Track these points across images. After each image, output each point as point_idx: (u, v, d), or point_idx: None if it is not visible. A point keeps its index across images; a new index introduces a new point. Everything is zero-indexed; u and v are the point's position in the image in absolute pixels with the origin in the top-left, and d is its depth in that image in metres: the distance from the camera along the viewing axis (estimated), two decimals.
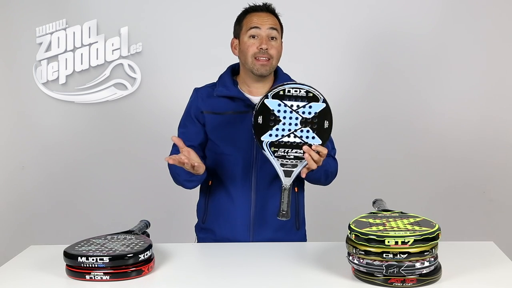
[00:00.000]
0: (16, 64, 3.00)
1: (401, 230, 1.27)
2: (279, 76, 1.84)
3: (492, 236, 1.81)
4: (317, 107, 1.54)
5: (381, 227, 1.30)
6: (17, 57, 2.99)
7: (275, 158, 1.57)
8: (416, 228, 1.29)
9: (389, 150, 2.99)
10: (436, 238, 1.26)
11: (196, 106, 1.81)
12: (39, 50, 2.95)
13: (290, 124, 1.55)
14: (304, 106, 1.54)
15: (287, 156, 1.57)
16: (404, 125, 2.98)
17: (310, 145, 1.55)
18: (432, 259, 1.27)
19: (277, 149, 1.56)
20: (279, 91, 1.54)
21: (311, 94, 1.54)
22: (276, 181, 1.76)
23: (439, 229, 1.28)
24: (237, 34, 1.81)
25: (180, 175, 1.71)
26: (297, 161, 1.57)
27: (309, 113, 1.54)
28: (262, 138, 1.56)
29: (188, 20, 2.95)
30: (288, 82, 1.56)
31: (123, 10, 2.95)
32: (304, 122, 1.55)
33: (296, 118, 1.55)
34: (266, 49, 1.72)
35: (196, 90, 1.86)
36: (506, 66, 2.93)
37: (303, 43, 2.87)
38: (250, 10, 1.79)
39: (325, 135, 1.56)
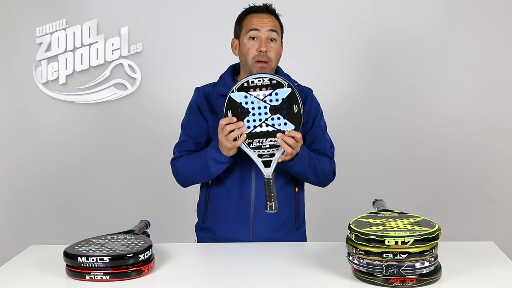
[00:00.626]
0: (16, 64, 3.00)
1: (401, 230, 1.27)
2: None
3: (492, 236, 1.81)
4: (283, 92, 1.56)
5: (381, 227, 1.30)
6: (17, 57, 2.99)
7: (251, 150, 1.58)
8: (416, 228, 1.29)
9: (389, 150, 2.99)
10: (436, 238, 1.26)
11: (200, 102, 1.82)
12: (39, 50, 2.96)
13: (259, 114, 1.56)
14: (270, 94, 1.56)
15: (262, 146, 1.57)
16: (404, 125, 2.98)
17: (284, 132, 1.56)
18: (432, 259, 1.27)
19: (251, 141, 1.57)
20: (243, 84, 1.56)
21: (274, 81, 1.56)
22: (276, 180, 1.76)
23: (439, 229, 1.28)
24: (237, 34, 1.81)
25: (208, 154, 1.68)
26: (273, 150, 1.58)
27: (277, 100, 1.56)
28: None
29: (188, 20, 2.95)
30: (251, 75, 1.58)
31: (123, 10, 2.96)
32: (273, 110, 1.56)
33: (265, 107, 1.56)
34: (265, 51, 1.72)
35: (197, 89, 1.86)
36: (506, 66, 2.93)
37: (303, 43, 2.87)
38: (250, 11, 1.79)
39: (296, 120, 1.57)
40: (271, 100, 1.56)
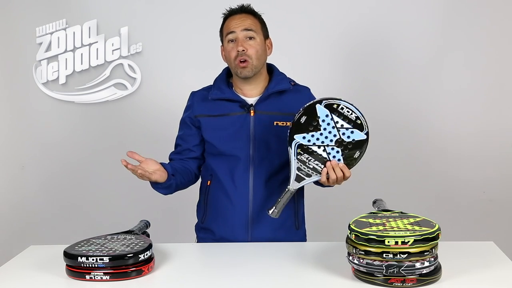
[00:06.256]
0: (16, 64, 3.00)
1: (401, 230, 1.27)
2: (275, 76, 1.84)
3: (492, 236, 1.81)
4: (358, 135, 1.56)
5: (381, 227, 1.30)
6: (17, 57, 2.99)
7: (296, 160, 1.58)
8: (416, 228, 1.29)
9: (389, 150, 2.99)
10: (436, 238, 1.26)
11: (191, 111, 1.84)
12: (39, 50, 2.96)
13: (326, 137, 1.55)
14: (347, 129, 1.55)
15: (307, 163, 1.58)
16: (404, 125, 2.97)
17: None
18: (432, 259, 1.27)
19: (302, 153, 1.57)
20: (333, 103, 1.53)
21: (359, 122, 1.55)
22: (273, 180, 1.77)
23: (439, 229, 1.28)
24: (222, 41, 1.84)
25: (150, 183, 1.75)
26: (313, 172, 1.58)
27: (348, 137, 1.55)
28: (295, 137, 1.56)
29: (188, 21, 2.95)
30: (346, 101, 1.55)
31: (123, 10, 2.95)
32: (339, 143, 1.56)
33: (334, 135, 1.55)
34: (243, 50, 1.72)
35: (193, 94, 1.89)
36: (506, 67, 2.93)
37: (298, 43, 2.86)
38: (228, 15, 1.82)
39: (350, 163, 1.58)
40: (343, 134, 1.55)
